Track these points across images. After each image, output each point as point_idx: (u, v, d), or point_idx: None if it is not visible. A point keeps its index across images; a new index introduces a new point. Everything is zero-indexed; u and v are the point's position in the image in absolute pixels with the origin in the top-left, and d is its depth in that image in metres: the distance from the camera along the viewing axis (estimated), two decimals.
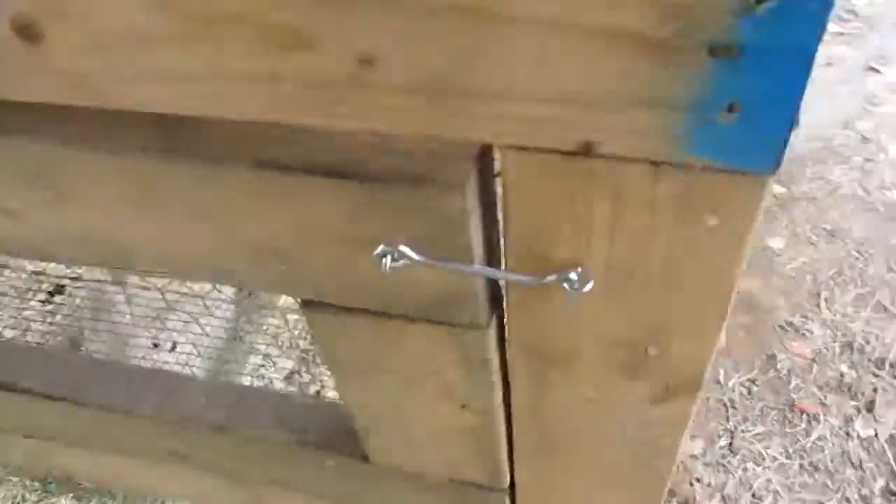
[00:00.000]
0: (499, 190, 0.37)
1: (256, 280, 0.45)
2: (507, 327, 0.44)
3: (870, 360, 1.97)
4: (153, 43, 0.33)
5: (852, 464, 1.77)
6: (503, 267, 0.38)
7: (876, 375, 1.92)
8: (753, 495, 1.75)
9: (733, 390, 1.95)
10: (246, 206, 0.39)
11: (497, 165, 0.36)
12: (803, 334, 2.05)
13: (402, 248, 0.37)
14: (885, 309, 2.08)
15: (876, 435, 1.84)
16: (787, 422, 1.89)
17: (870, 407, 1.89)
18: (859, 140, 2.56)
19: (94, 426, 0.76)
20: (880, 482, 1.74)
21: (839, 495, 1.74)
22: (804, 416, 1.89)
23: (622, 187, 0.34)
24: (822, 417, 1.88)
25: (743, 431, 1.88)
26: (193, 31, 0.32)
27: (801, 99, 0.28)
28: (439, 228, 0.37)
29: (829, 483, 1.77)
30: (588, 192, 0.34)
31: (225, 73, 0.33)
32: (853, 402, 1.90)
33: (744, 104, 0.28)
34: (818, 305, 2.09)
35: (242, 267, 0.44)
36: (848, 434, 1.83)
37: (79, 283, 1.17)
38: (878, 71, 2.84)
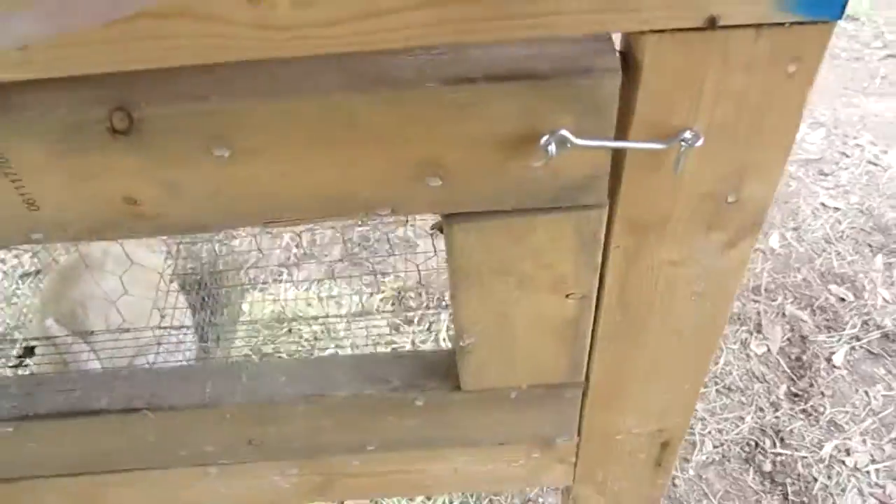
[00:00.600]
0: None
1: (412, 201, 0.53)
2: (618, 204, 0.55)
3: (747, 289, 2.24)
4: None
5: (757, 378, 2.02)
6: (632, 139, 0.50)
7: (755, 301, 2.20)
8: None
9: None
10: (420, 126, 0.48)
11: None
12: None
13: (563, 132, 0.47)
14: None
15: (769, 350, 2.10)
16: None
17: (758, 328, 2.15)
18: None
19: (168, 436, 0.78)
20: (783, 388, 1.99)
21: (753, 407, 1.97)
22: None
23: (731, 51, 0.46)
24: (723, 346, 2.11)
25: None
26: None
27: None
28: (592, 111, 0.47)
29: (742, 399, 2.00)
30: (706, 60, 0.46)
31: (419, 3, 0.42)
32: (744, 328, 2.16)
33: None
34: None
35: (401, 191, 0.52)
36: (747, 355, 2.08)
37: (46, 343, 1.13)
38: None
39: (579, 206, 0.54)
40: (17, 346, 1.13)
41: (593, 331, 0.68)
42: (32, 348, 1.09)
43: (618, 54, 0.48)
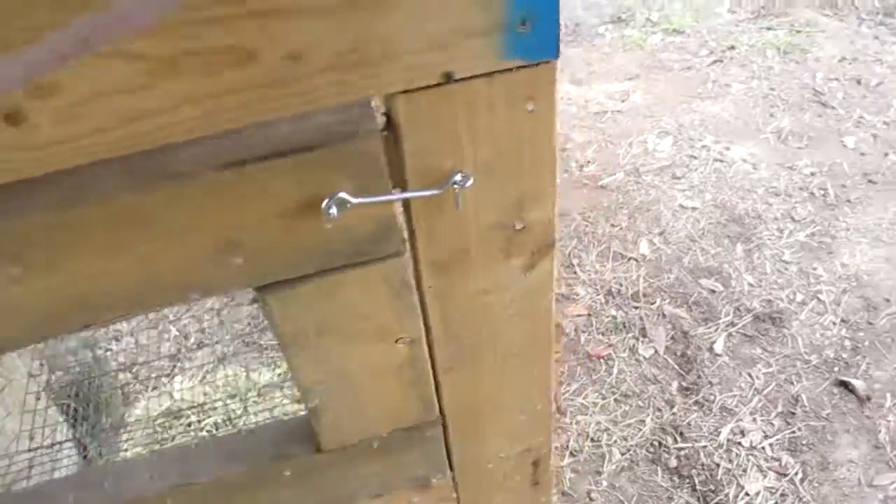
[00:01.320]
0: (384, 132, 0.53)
1: (219, 281, 0.55)
2: (418, 248, 0.59)
3: (627, 298, 2.36)
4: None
5: (649, 380, 2.11)
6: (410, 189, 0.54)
7: (636, 307, 2.31)
8: (592, 440, 2.01)
9: None
10: (209, 212, 0.51)
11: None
12: (573, 299, 2.40)
13: (342, 195, 0.51)
14: (621, 255, 2.50)
15: (656, 351, 2.21)
16: (591, 371, 2.19)
17: (643, 333, 2.26)
18: None
19: None
20: (675, 384, 2.09)
21: (651, 408, 2.06)
22: (601, 361, 2.21)
23: (472, 100, 0.51)
24: (614, 356, 2.21)
25: (564, 393, 2.15)
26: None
27: (558, 11, 0.48)
28: (364, 171, 0.51)
29: (640, 403, 2.09)
30: (453, 110, 0.51)
31: (182, 101, 0.45)
32: (630, 334, 2.26)
33: (530, 18, 0.48)
34: (575, 273, 2.46)
35: (206, 274, 0.54)
36: (637, 360, 2.18)
37: None
38: None
39: (380, 257, 0.58)
40: None
41: (433, 368, 0.71)
42: None
43: (383, 116, 0.53)
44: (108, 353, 1.98)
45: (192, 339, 2.49)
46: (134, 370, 2.17)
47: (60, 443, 1.19)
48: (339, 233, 0.55)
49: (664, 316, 2.32)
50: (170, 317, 2.56)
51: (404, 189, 0.55)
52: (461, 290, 0.64)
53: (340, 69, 0.47)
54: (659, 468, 1.95)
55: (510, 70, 0.50)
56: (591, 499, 1.91)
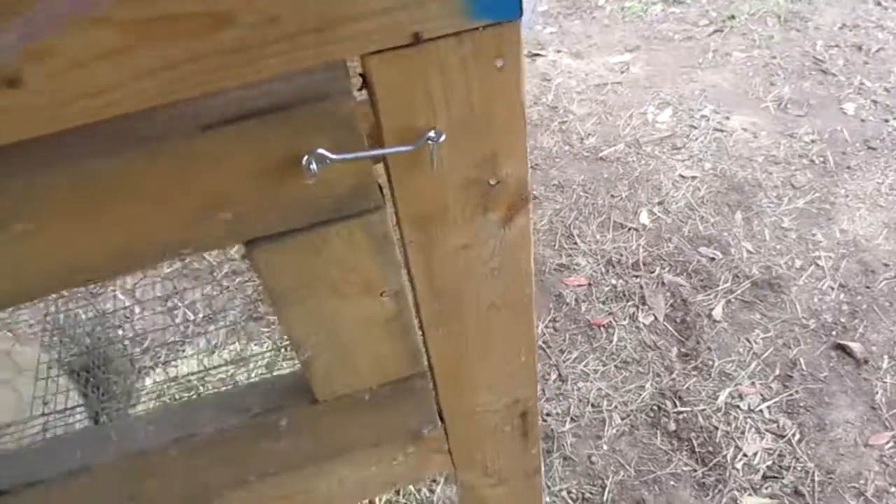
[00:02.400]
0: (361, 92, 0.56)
1: (208, 237, 0.59)
2: (397, 204, 0.62)
3: (627, 267, 2.38)
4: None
5: (649, 347, 2.14)
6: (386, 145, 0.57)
7: (636, 276, 2.34)
8: (593, 405, 2.05)
9: (543, 335, 2.25)
10: (193, 172, 0.54)
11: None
12: (573, 269, 2.43)
13: (319, 150, 0.55)
14: (622, 225, 2.53)
15: (656, 319, 2.24)
16: (591, 339, 2.22)
17: (643, 301, 2.29)
18: (548, 109, 3.06)
19: None
20: (674, 351, 2.13)
21: (650, 374, 2.09)
22: (602, 329, 2.24)
23: (443, 58, 0.54)
24: (614, 323, 2.24)
25: (564, 362, 2.19)
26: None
27: None
28: (340, 129, 0.55)
29: (640, 369, 2.12)
30: (426, 69, 0.54)
31: (161, 65, 0.49)
32: (630, 302, 2.29)
33: None
34: (575, 243, 2.48)
35: (196, 230, 0.58)
36: (637, 327, 2.21)
37: None
38: (539, 55, 3.40)
39: (361, 211, 0.61)
40: None
41: (420, 322, 0.75)
42: None
43: (359, 76, 0.56)
44: (121, 331, 2.03)
45: (201, 315, 2.54)
46: (143, 346, 2.22)
47: (73, 408, 1.24)
48: (322, 188, 0.59)
49: (664, 284, 2.34)
50: (178, 293, 2.61)
51: (381, 146, 0.58)
52: (442, 245, 0.68)
53: (314, 32, 0.50)
54: (658, 432, 1.99)
55: (477, 29, 0.53)
56: (591, 462, 1.95)
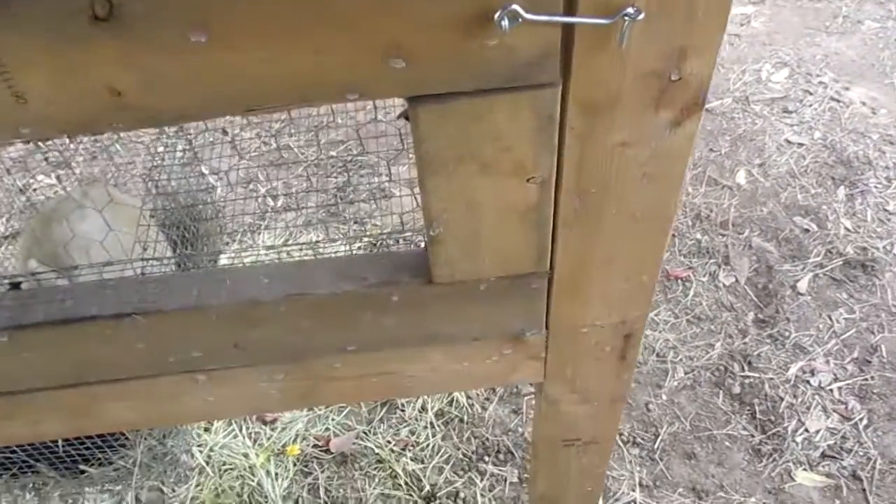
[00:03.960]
0: None
1: (378, 84, 0.57)
2: (570, 84, 0.59)
3: (715, 224, 2.31)
4: None
5: (725, 307, 2.09)
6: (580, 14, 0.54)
7: (723, 235, 2.27)
8: (658, 355, 2.02)
9: None
10: (386, 9, 0.52)
11: None
12: None
13: (514, 6, 0.51)
14: (716, 181, 2.44)
15: (737, 280, 2.17)
16: (667, 290, 2.18)
17: (726, 260, 2.23)
18: None
19: (157, 342, 0.82)
20: (750, 315, 2.07)
21: (722, 334, 2.05)
22: (679, 282, 2.19)
23: None
24: (692, 278, 2.19)
25: None
26: None
27: None
28: None
29: (712, 328, 2.08)
30: None
31: None
32: (713, 260, 2.23)
33: None
34: None
35: (368, 74, 0.56)
36: (716, 286, 2.15)
37: (30, 280, 1.16)
38: None
39: (534, 84, 0.58)
40: (1, 285, 1.16)
41: (554, 219, 0.72)
42: (18, 284, 1.12)
43: None
44: (210, 196, 2.07)
45: (281, 202, 2.57)
46: (227, 218, 2.26)
47: (168, 258, 1.27)
48: (502, 52, 0.56)
49: (751, 247, 2.27)
50: (261, 177, 2.64)
51: (573, 14, 0.54)
52: (602, 138, 0.64)
53: None
54: (721, 392, 1.95)
55: None
56: (648, 410, 1.94)
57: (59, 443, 1.42)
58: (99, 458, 1.52)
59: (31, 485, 1.62)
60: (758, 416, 1.90)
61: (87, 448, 1.49)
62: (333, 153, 2.69)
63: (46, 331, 0.79)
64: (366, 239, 2.37)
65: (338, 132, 2.69)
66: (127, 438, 1.39)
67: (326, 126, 2.59)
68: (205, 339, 0.82)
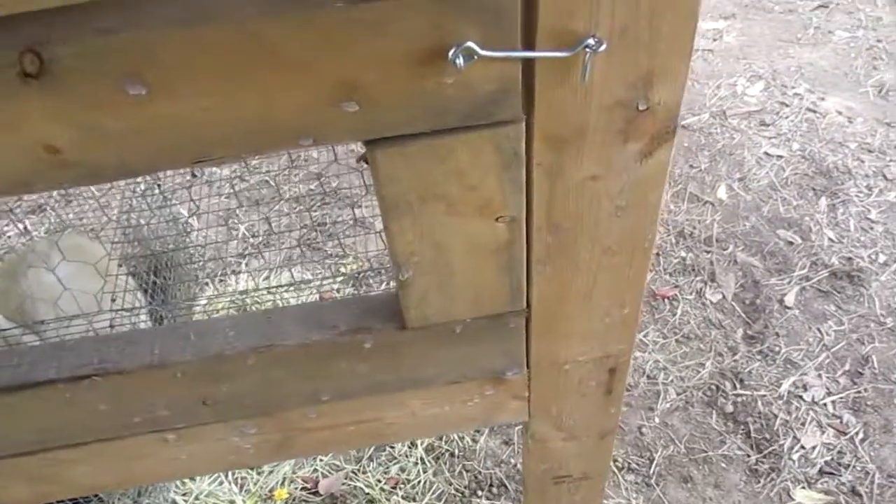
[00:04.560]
0: None
1: (332, 128, 0.54)
2: (534, 119, 0.57)
3: (699, 241, 2.29)
4: None
5: (713, 325, 2.07)
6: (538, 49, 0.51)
7: (707, 252, 2.25)
8: (648, 377, 1.99)
9: None
10: (335, 46, 0.49)
11: None
12: None
13: (469, 43, 0.49)
14: (697, 198, 2.43)
15: (724, 297, 2.15)
16: (654, 310, 2.15)
17: (712, 277, 2.21)
18: None
19: (119, 402, 0.78)
20: (739, 332, 2.05)
21: (712, 353, 2.02)
22: (666, 301, 2.17)
23: None
24: (679, 297, 2.16)
25: None
26: None
27: None
28: (496, 22, 0.49)
29: (701, 346, 2.05)
30: None
31: None
32: (699, 277, 2.21)
33: None
34: None
35: (320, 118, 0.53)
36: (703, 304, 2.13)
37: None
38: None
39: (496, 122, 0.56)
40: None
41: (528, 256, 0.69)
42: None
43: None
44: (188, 239, 2.02)
45: (260, 239, 2.53)
46: (202, 263, 2.22)
47: (139, 308, 1.23)
48: (459, 90, 0.53)
49: (736, 263, 2.25)
50: (240, 216, 2.60)
51: (532, 48, 0.52)
52: (570, 172, 0.62)
53: None
54: (714, 412, 1.92)
55: None
56: (641, 433, 1.90)
57: None
58: None
59: None
60: (752, 434, 1.87)
61: None
62: (312, 186, 2.66)
63: (2, 396, 0.75)
64: (345, 273, 2.34)
65: (318, 163, 2.66)
66: (101, 500, 1.34)
67: (303, 159, 2.57)
68: (170, 397, 0.79)
